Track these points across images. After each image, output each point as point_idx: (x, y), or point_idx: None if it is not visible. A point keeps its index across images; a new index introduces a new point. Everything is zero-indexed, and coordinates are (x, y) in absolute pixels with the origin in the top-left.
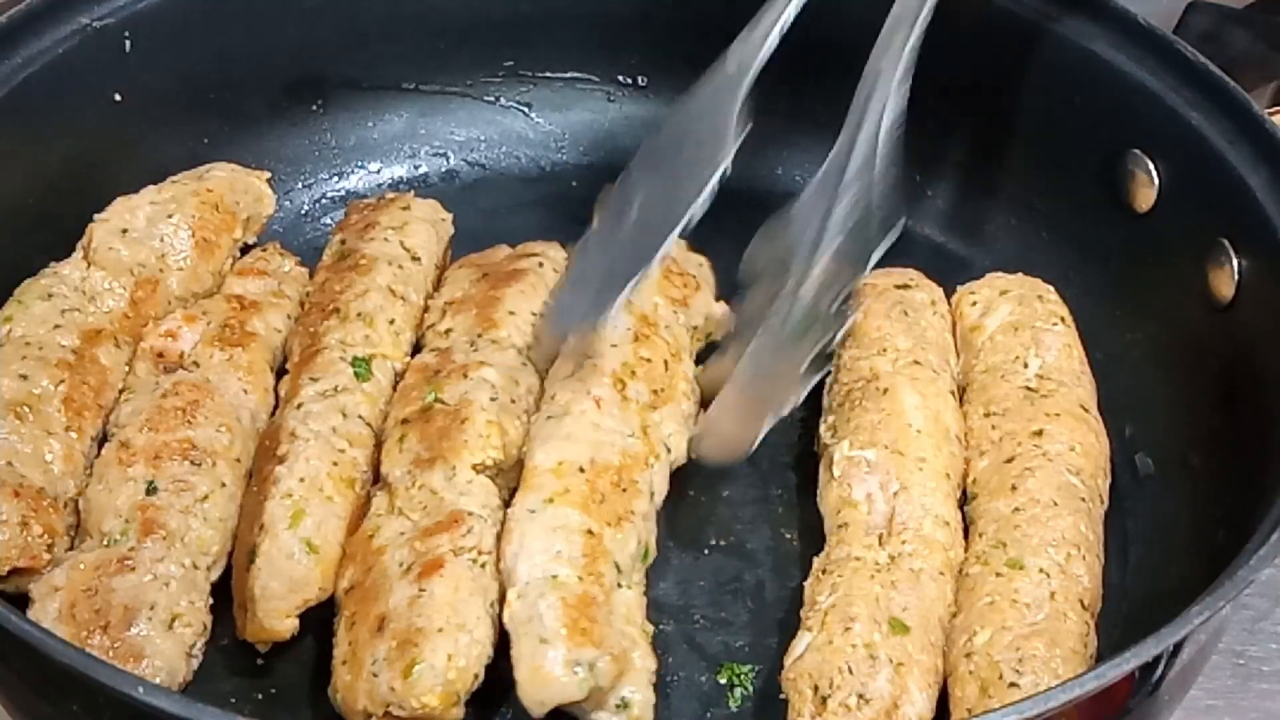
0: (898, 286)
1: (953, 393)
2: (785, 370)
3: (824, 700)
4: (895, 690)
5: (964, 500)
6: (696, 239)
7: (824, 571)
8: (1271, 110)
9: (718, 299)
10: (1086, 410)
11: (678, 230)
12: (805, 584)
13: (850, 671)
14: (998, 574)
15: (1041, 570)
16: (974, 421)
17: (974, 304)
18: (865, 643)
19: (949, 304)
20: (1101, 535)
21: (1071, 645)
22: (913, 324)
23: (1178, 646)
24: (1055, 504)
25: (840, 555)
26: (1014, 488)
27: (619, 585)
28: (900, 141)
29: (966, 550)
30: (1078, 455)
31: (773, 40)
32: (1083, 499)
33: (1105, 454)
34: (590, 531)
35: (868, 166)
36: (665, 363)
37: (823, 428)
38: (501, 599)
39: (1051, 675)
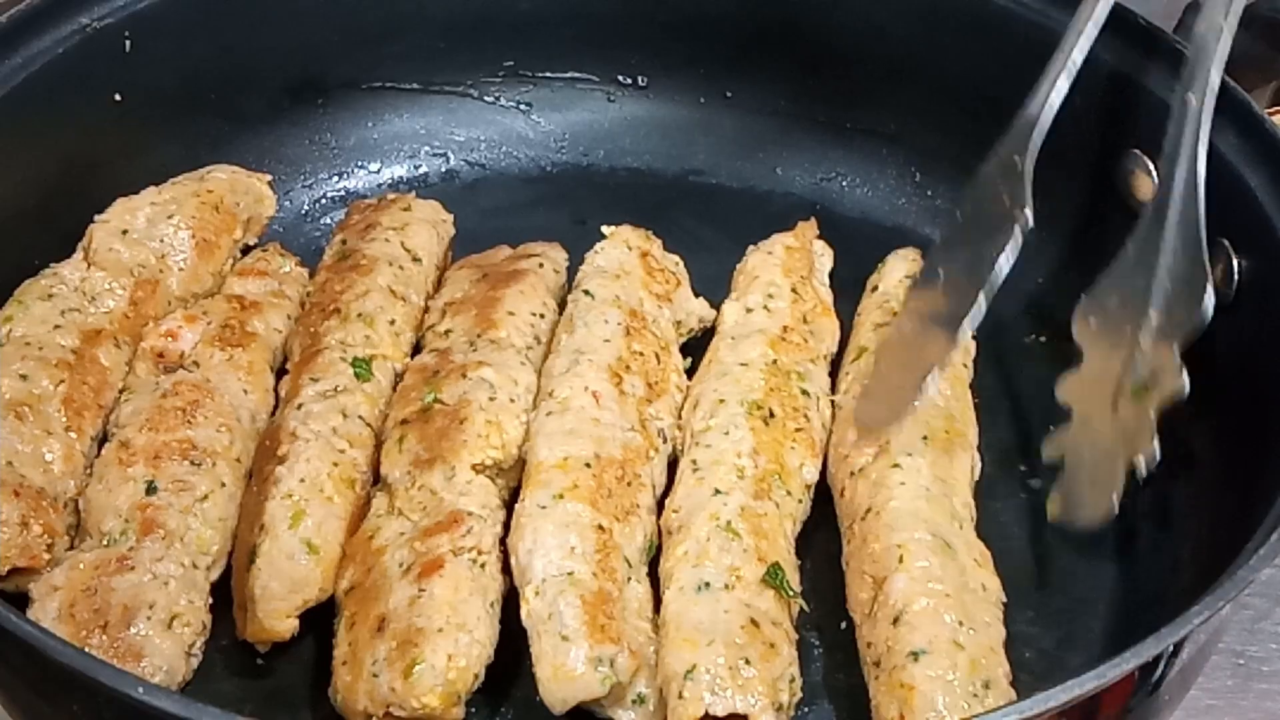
0: None
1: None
2: (1139, 427)
3: None
4: None
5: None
6: (697, 239)
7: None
8: (1271, 110)
9: (695, 295)
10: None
11: (983, 302)
12: None
13: None
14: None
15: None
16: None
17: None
18: None
19: None
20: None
21: None
22: None
23: (1178, 646)
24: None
25: None
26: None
27: (629, 580)
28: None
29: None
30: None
31: (1061, 87)
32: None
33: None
34: (601, 526)
35: (1190, 209)
36: (656, 356)
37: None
38: (503, 599)
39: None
